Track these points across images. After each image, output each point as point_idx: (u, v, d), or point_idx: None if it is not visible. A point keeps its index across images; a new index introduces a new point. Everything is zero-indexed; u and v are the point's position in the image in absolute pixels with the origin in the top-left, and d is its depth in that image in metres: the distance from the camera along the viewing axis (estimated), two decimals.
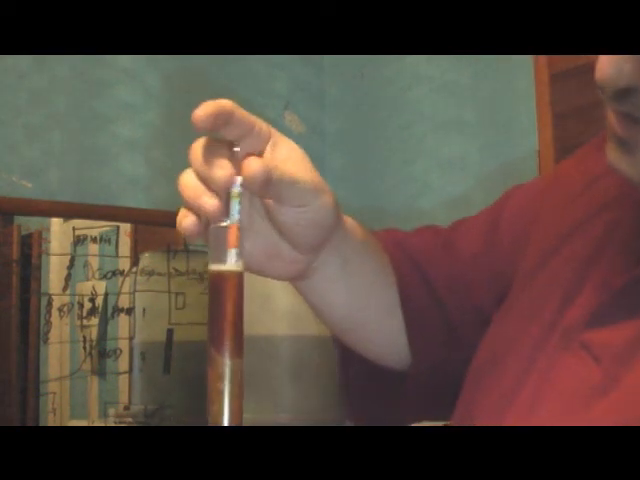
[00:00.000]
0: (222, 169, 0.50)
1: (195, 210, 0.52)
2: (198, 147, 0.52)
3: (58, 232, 1.80)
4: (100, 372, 1.81)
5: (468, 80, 1.77)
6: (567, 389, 0.50)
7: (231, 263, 0.49)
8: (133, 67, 1.79)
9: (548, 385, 0.52)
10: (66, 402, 1.77)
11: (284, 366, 1.57)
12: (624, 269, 0.52)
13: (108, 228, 1.82)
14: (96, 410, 1.81)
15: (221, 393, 0.47)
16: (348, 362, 0.70)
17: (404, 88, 1.90)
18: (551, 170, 0.73)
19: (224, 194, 0.51)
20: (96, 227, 1.80)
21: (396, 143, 1.92)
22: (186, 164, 0.53)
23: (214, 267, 0.49)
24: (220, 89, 1.90)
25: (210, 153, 0.51)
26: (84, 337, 1.79)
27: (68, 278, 1.78)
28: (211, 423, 0.47)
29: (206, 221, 0.52)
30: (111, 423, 1.78)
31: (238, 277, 0.50)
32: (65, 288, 1.78)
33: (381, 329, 0.67)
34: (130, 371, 1.82)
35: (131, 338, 1.82)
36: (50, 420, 1.74)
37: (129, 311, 1.82)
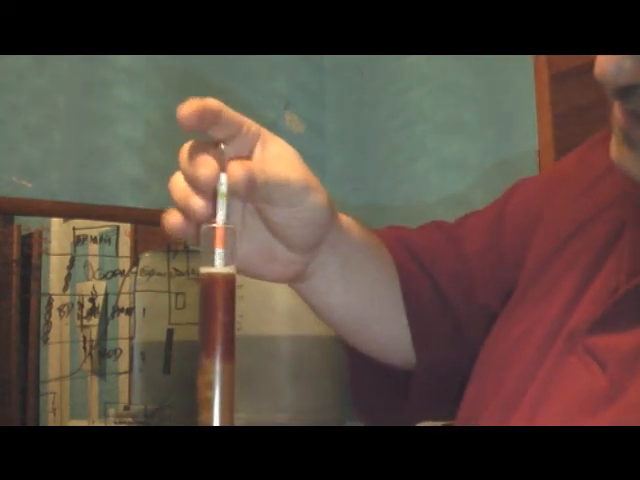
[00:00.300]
0: (205, 167, 0.50)
1: (184, 211, 0.52)
2: (186, 149, 0.52)
3: (58, 232, 1.80)
4: (100, 372, 1.81)
5: (468, 80, 1.77)
6: (572, 396, 0.50)
7: (220, 264, 0.48)
8: (133, 67, 1.79)
9: (552, 390, 0.51)
10: (66, 402, 1.77)
11: (284, 366, 1.57)
12: (629, 273, 0.52)
13: (108, 228, 1.82)
14: (96, 410, 1.80)
15: (210, 401, 0.46)
16: (354, 361, 0.69)
17: (404, 88, 1.90)
18: (552, 164, 0.72)
19: (211, 193, 0.50)
20: (96, 227, 1.80)
21: (396, 143, 1.92)
22: None
23: (204, 269, 0.48)
24: (220, 89, 1.89)
25: (197, 154, 0.51)
26: (84, 337, 1.79)
27: (68, 278, 1.78)
28: None
29: (197, 222, 0.52)
30: (111, 423, 1.78)
31: (228, 279, 0.48)
32: (65, 288, 1.78)
33: (385, 328, 0.66)
34: (130, 371, 1.82)
35: (131, 338, 1.82)
36: (50, 420, 1.74)
37: (129, 311, 1.82)
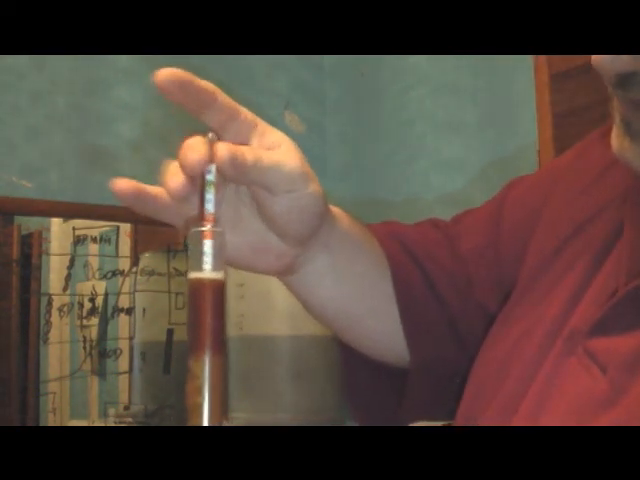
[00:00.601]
0: (193, 152, 0.49)
1: (165, 187, 0.51)
2: (186, 141, 0.51)
3: (58, 232, 1.80)
4: (100, 372, 1.81)
5: (468, 80, 1.77)
6: (572, 398, 0.49)
7: (209, 269, 0.47)
8: (133, 67, 1.79)
9: (553, 393, 0.51)
10: (66, 402, 1.77)
11: (284, 366, 1.57)
12: (628, 274, 0.51)
13: (108, 228, 1.82)
14: (96, 410, 1.81)
15: (200, 407, 0.45)
16: (349, 359, 0.69)
17: (404, 88, 1.90)
18: (550, 162, 0.72)
19: (197, 179, 0.50)
20: (96, 227, 1.80)
21: (396, 143, 1.92)
22: None
23: (192, 274, 0.47)
24: (220, 89, 1.89)
25: (193, 143, 0.51)
26: (84, 337, 1.79)
27: (68, 278, 1.78)
28: None
29: (173, 199, 0.51)
30: (111, 423, 1.78)
31: (217, 284, 0.47)
32: (65, 288, 1.78)
33: (378, 323, 0.66)
34: (130, 371, 1.82)
35: (131, 338, 1.82)
36: (50, 420, 1.74)
37: (129, 311, 1.82)
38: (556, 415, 0.49)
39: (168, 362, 1.83)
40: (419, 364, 0.66)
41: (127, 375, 1.82)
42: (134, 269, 1.84)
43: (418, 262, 0.67)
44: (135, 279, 1.83)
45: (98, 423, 1.79)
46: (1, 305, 1.71)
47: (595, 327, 0.51)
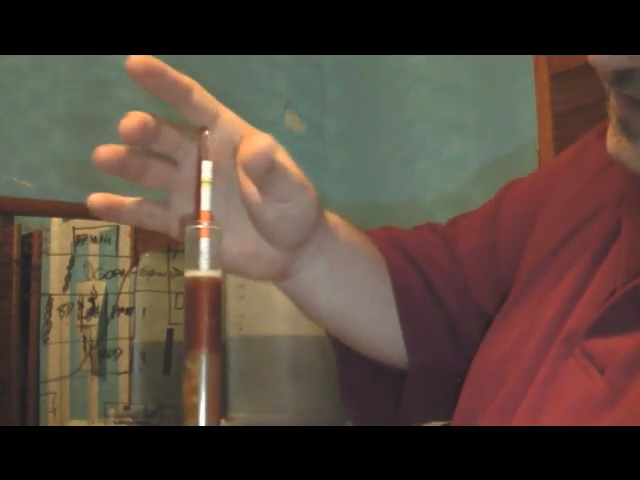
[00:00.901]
0: (128, 117, 0.49)
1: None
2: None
3: (58, 232, 1.80)
4: (100, 372, 1.81)
5: (468, 80, 1.77)
6: (571, 400, 0.49)
7: (205, 267, 0.46)
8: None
9: (551, 394, 0.50)
10: (66, 402, 1.77)
11: (284, 366, 1.57)
12: (626, 274, 0.51)
13: (108, 228, 1.82)
14: (96, 410, 1.80)
15: (196, 407, 0.45)
16: (345, 360, 0.69)
17: (404, 88, 1.90)
18: (548, 163, 0.72)
19: (130, 142, 0.50)
20: (96, 227, 1.80)
21: (396, 143, 1.92)
22: None
23: (188, 273, 0.47)
24: (220, 89, 1.89)
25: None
26: (84, 337, 1.79)
27: (68, 278, 1.78)
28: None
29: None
30: (111, 423, 1.78)
31: (213, 283, 0.47)
32: (65, 288, 1.78)
33: (377, 328, 0.65)
34: (130, 371, 1.82)
35: (131, 338, 1.82)
36: (50, 420, 1.74)
37: (129, 311, 1.82)
38: (555, 416, 0.49)
39: (168, 362, 1.83)
40: (418, 366, 0.65)
41: (127, 375, 1.82)
42: (134, 269, 1.84)
43: (417, 265, 0.66)
44: (135, 279, 1.83)
45: (98, 423, 1.79)
46: (1, 305, 1.71)
47: (593, 328, 0.50)
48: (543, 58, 1.51)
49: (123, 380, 1.82)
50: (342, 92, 2.08)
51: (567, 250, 0.58)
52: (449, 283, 0.66)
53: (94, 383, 1.81)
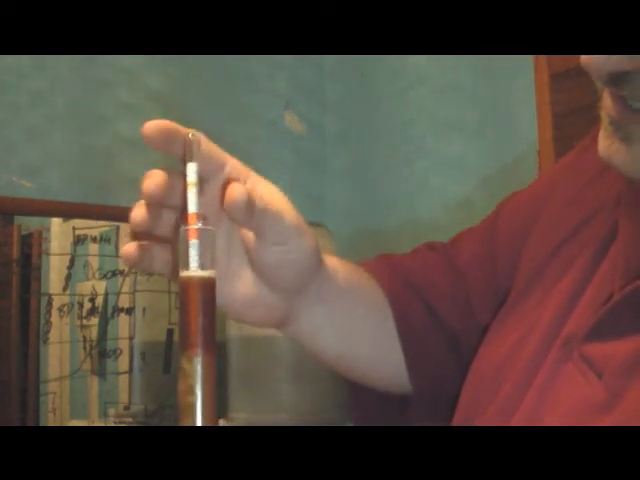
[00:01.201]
0: (151, 177, 0.50)
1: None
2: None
3: (58, 232, 1.79)
4: (100, 372, 1.81)
5: (468, 80, 1.77)
6: (569, 405, 0.49)
7: (197, 267, 0.47)
8: (133, 67, 1.79)
9: (549, 399, 0.50)
10: (66, 402, 1.77)
11: (284, 366, 1.57)
12: (623, 277, 0.50)
13: (108, 228, 1.82)
14: (96, 410, 1.80)
15: (192, 406, 0.45)
16: (353, 387, 0.69)
17: (404, 88, 1.90)
18: (548, 170, 0.72)
19: (156, 205, 0.50)
20: (96, 227, 1.80)
21: (396, 143, 1.92)
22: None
23: (182, 273, 0.48)
24: (220, 89, 1.89)
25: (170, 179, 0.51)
26: (84, 337, 1.79)
27: (68, 278, 1.78)
28: None
29: (136, 234, 0.52)
30: (111, 423, 1.78)
31: (206, 283, 0.47)
32: (65, 288, 1.78)
33: (381, 361, 0.66)
34: (130, 371, 1.82)
35: (131, 338, 1.82)
36: (50, 420, 1.74)
37: (129, 311, 1.82)
38: (553, 420, 0.49)
39: (168, 362, 1.83)
40: (421, 393, 0.66)
41: (127, 375, 1.82)
42: (134, 269, 1.84)
43: (417, 291, 0.67)
44: (135, 279, 1.83)
45: (98, 423, 1.78)
46: (1, 305, 1.71)
47: (591, 332, 0.50)
48: (543, 58, 1.51)
49: (123, 380, 1.82)
50: (342, 92, 2.08)
51: (566, 252, 0.57)
52: (451, 303, 0.67)
53: (94, 383, 1.81)
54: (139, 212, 0.51)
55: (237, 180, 0.52)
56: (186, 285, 0.47)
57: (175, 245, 0.51)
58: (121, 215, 1.95)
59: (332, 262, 0.62)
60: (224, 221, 0.54)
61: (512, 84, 1.66)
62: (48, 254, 1.77)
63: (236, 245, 0.55)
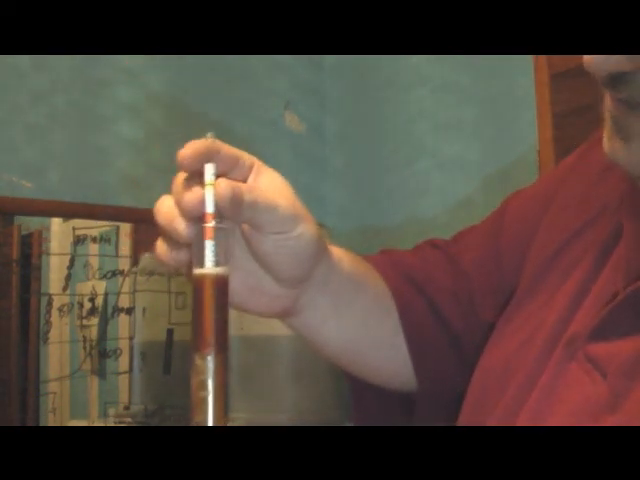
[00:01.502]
0: (192, 193, 0.50)
1: (168, 233, 0.52)
2: (181, 176, 0.52)
3: (58, 232, 1.80)
4: (100, 372, 1.81)
5: (468, 80, 1.77)
6: (573, 404, 0.49)
7: (212, 264, 0.48)
8: (133, 67, 1.79)
9: (554, 399, 0.50)
10: (66, 402, 1.77)
11: (284, 366, 1.57)
12: (627, 277, 0.51)
13: (108, 228, 1.82)
14: (96, 410, 1.80)
15: (204, 402, 0.46)
16: (355, 385, 0.69)
17: (404, 88, 1.90)
18: (551, 170, 0.72)
19: (195, 218, 0.51)
20: (96, 227, 1.80)
21: (396, 143, 1.92)
22: None
23: (196, 270, 0.48)
24: (220, 89, 1.89)
25: (189, 180, 0.51)
26: (84, 337, 1.79)
27: (68, 278, 1.78)
28: None
29: (178, 245, 0.52)
30: (111, 423, 1.78)
31: (220, 280, 0.48)
32: (65, 288, 1.78)
33: (384, 356, 0.66)
34: (130, 371, 1.82)
35: (131, 338, 1.82)
36: (50, 420, 1.74)
37: (129, 311, 1.82)
38: (557, 420, 0.49)
39: (168, 362, 1.83)
40: (427, 390, 0.66)
41: (127, 375, 1.82)
42: (134, 269, 1.84)
43: (420, 288, 0.67)
44: (135, 279, 1.83)
45: (98, 423, 1.79)
46: (1, 305, 1.71)
47: (595, 332, 0.50)
48: (543, 58, 1.52)
49: (123, 380, 1.82)
50: (342, 92, 2.08)
51: (570, 253, 0.58)
52: (453, 300, 0.67)
53: (94, 383, 1.81)
54: (180, 225, 0.51)
55: (237, 175, 0.53)
56: (200, 282, 0.48)
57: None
58: (121, 215, 1.96)
59: (337, 252, 0.62)
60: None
61: (512, 84, 1.66)
62: (48, 254, 1.77)
63: (237, 234, 0.55)
